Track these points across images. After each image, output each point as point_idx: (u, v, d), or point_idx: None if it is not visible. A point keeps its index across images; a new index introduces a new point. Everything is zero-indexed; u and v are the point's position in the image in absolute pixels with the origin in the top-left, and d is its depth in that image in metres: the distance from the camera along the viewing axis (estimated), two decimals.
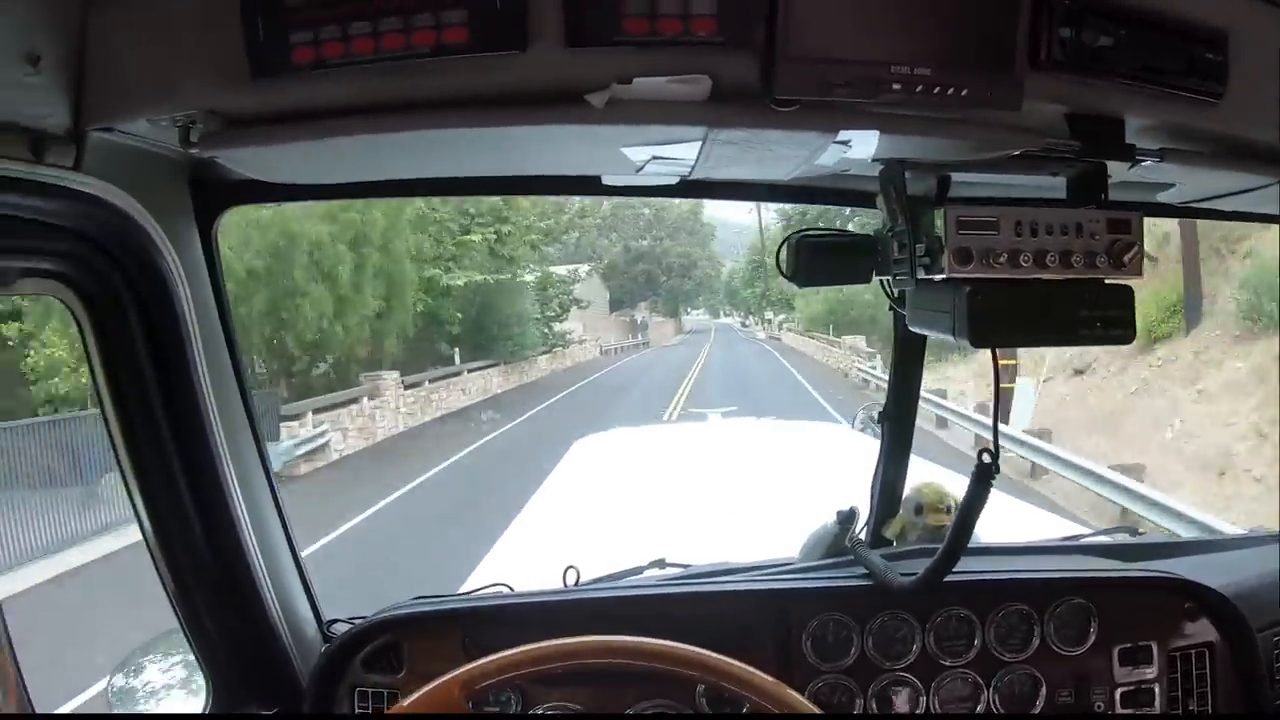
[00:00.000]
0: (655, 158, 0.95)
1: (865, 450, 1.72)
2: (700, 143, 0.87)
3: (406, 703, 0.87)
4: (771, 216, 46.21)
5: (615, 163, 0.99)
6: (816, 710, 0.94)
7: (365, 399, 13.08)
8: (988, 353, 0.98)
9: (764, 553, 1.50)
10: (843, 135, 0.85)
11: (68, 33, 0.77)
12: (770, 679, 0.90)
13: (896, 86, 0.76)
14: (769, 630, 1.27)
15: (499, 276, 17.00)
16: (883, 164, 0.97)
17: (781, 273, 1.15)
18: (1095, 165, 0.93)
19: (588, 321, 33.48)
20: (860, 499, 1.46)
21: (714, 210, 52.40)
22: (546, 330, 23.48)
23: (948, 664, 1.29)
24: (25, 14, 0.73)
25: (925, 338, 1.26)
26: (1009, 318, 0.91)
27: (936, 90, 0.77)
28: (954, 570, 1.15)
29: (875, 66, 0.76)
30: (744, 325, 73.64)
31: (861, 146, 0.90)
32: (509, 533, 2.61)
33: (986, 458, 1.01)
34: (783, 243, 1.16)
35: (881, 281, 1.12)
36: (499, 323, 18.26)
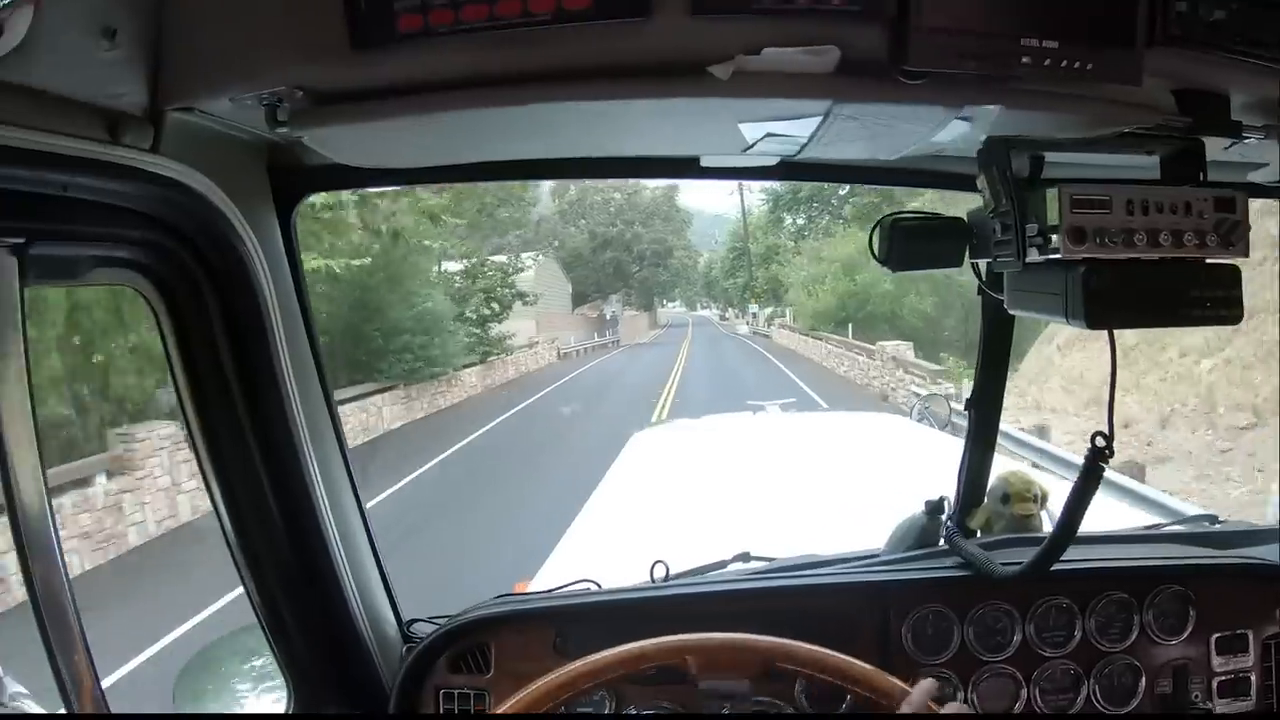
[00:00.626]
0: (769, 135, 0.92)
1: (926, 440, 1.89)
2: (821, 118, 0.85)
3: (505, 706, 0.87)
4: (756, 199, 40.34)
5: (722, 141, 0.97)
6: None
7: (100, 478, 7.70)
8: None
9: (841, 544, 1.47)
10: (966, 111, 0.84)
11: (145, 6, 0.74)
12: (872, 668, 0.91)
13: (1026, 60, 0.76)
14: (868, 623, 1.25)
15: (357, 261, 10.52)
16: (983, 143, 0.93)
17: (874, 257, 1.13)
18: (1193, 143, 0.91)
19: (543, 319, 27.03)
20: (926, 489, 1.43)
21: (689, 198, 48.40)
22: (479, 334, 17.04)
23: (1048, 654, 1.27)
24: None
25: (1012, 323, 1.29)
26: (1122, 299, 0.90)
27: (1064, 64, 0.76)
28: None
29: (1006, 39, 0.75)
30: (723, 318, 69.22)
31: (981, 122, 0.88)
32: (575, 526, 2.58)
33: (1100, 441, 0.99)
34: (874, 226, 1.13)
35: (973, 264, 1.11)
36: (387, 330, 11.83)
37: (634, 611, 1.29)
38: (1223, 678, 1.29)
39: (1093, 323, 0.89)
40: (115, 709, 0.87)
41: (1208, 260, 0.89)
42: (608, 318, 38.16)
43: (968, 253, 1.08)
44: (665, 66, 0.76)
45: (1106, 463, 1.02)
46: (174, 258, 0.95)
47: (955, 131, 0.91)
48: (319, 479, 1.12)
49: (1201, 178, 0.92)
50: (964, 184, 1.10)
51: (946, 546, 1.37)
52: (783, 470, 2.83)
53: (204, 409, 1.05)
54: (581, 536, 2.51)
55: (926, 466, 1.56)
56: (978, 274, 1.15)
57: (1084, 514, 1.07)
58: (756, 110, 0.86)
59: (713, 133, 0.97)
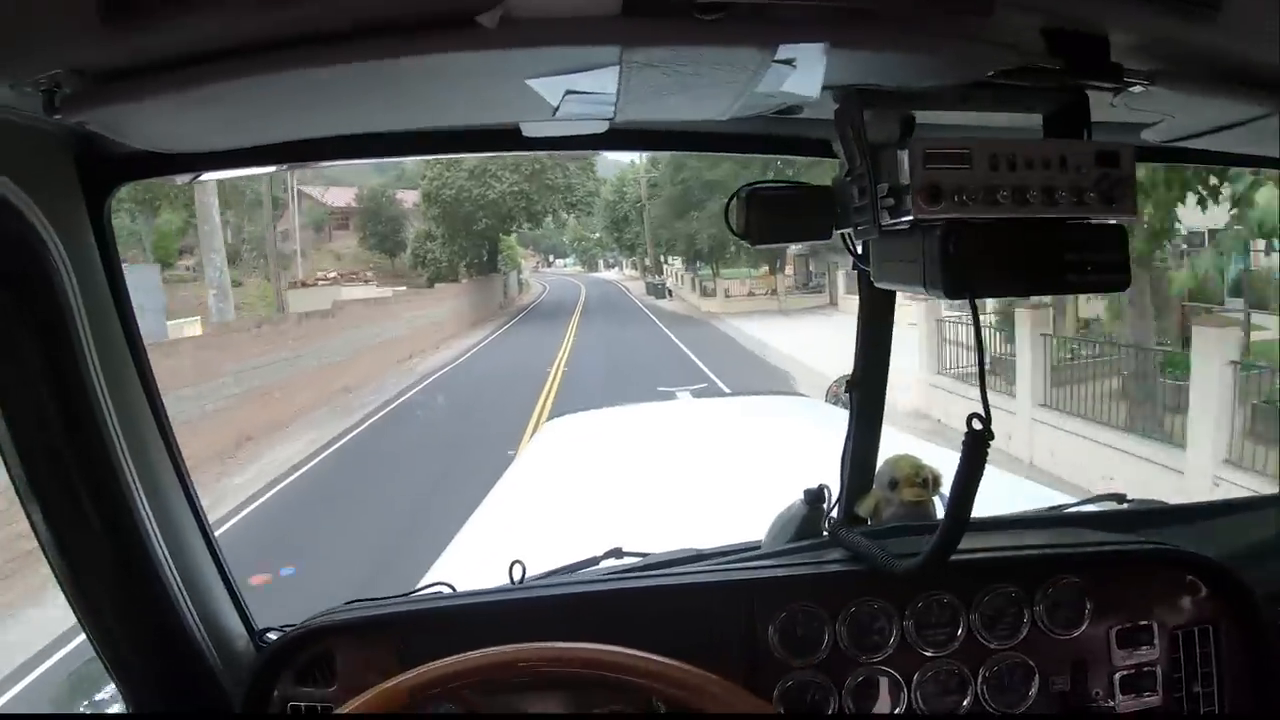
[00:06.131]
0: (570, 92, 0.89)
1: (838, 423, 1.67)
2: (616, 67, 0.81)
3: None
4: None
5: (530, 105, 0.93)
6: (771, 709, 1.15)
7: None
8: None
9: (734, 537, 1.52)
10: (784, 52, 0.79)
11: None
12: (714, 678, 0.96)
13: None
14: (733, 624, 1.27)
15: None
16: (838, 101, 0.96)
17: (731, 230, 1.14)
18: (1076, 96, 0.93)
19: None
20: (829, 475, 1.47)
21: None
22: None
23: (930, 654, 1.27)
24: None
25: (893, 297, 1.35)
26: (987, 264, 0.87)
27: None
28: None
29: None
30: (656, 286, 36.89)
31: (808, 69, 0.84)
32: (469, 526, 2.51)
33: (977, 424, 0.97)
34: (731, 197, 1.14)
35: (843, 236, 1.11)
36: None
37: (487, 616, 1.27)
38: (1125, 673, 1.27)
39: (952, 291, 0.87)
40: None
41: (1091, 220, 0.88)
42: None
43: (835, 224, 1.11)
44: (430, 18, 0.72)
45: (988, 445, 0.97)
46: None
47: (782, 78, 0.85)
48: (141, 493, 1.12)
49: (1086, 134, 0.93)
50: (825, 150, 1.15)
51: (828, 538, 1.41)
52: (685, 460, 2.82)
53: (14, 423, 1.03)
54: (477, 532, 2.46)
55: (834, 451, 1.42)
56: (849, 247, 1.15)
57: (973, 501, 1.03)
58: (541, 63, 0.79)
59: (515, 96, 0.90)
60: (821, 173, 1.66)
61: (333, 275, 23.74)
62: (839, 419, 1.80)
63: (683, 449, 2.96)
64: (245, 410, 11.52)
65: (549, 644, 0.96)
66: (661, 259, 40.43)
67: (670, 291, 35.91)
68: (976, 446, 0.96)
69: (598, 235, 49.24)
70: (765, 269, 29.03)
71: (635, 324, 24.34)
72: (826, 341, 14.33)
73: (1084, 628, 1.26)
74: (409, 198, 32.70)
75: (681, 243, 28.84)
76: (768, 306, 25.85)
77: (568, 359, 16.84)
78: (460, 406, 12.91)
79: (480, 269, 32.24)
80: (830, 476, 1.42)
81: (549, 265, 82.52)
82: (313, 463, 10.04)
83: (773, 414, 3.68)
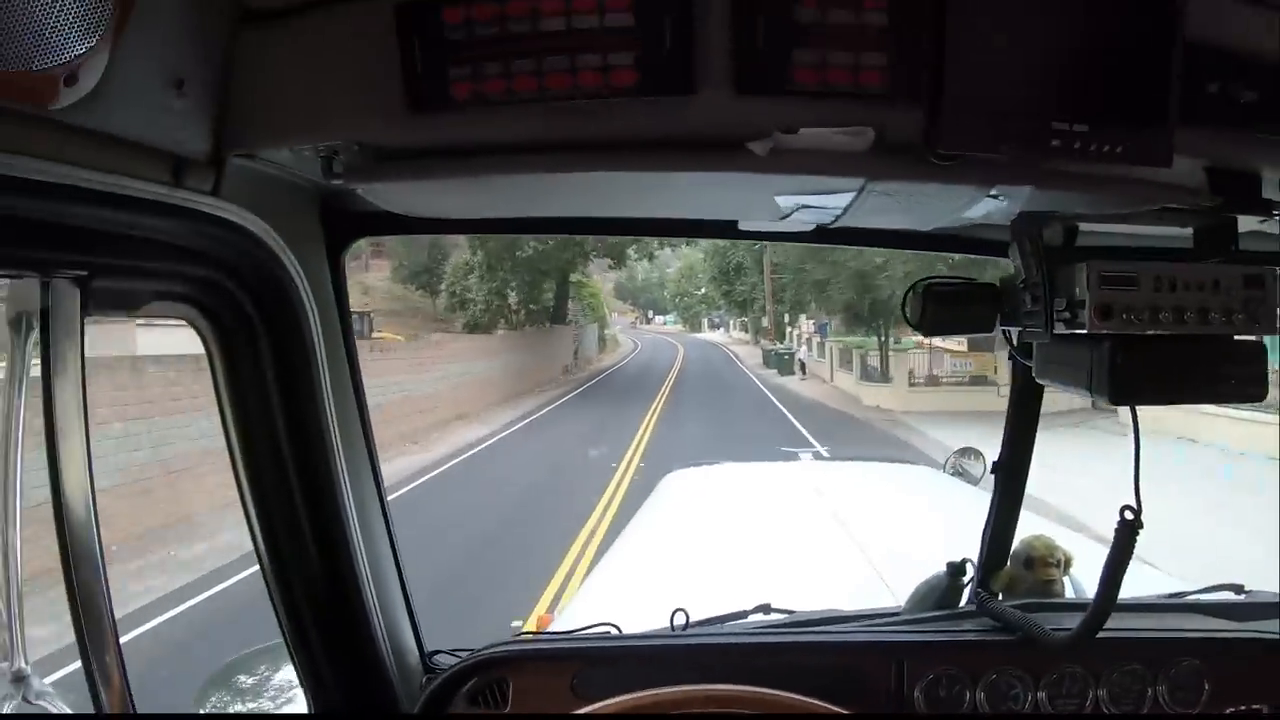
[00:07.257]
0: (805, 206, 1.11)
1: (958, 495, 1.96)
2: (855, 193, 1.03)
3: None
4: None
5: (760, 209, 1.16)
6: None
7: None
8: None
9: (863, 599, 1.72)
10: (997, 189, 1.02)
11: (213, 58, 0.88)
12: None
13: (1056, 143, 0.86)
14: (882, 683, 1.45)
15: None
16: (1016, 215, 1.13)
17: (907, 320, 1.26)
18: (1227, 218, 1.07)
19: None
20: (952, 547, 1.62)
21: None
22: None
23: None
24: (172, 38, 0.83)
25: (1042, 390, 1.50)
26: (1149, 375, 1.01)
27: (1093, 147, 0.87)
28: (1070, 628, 1.39)
29: (1037, 123, 0.86)
30: (780, 357, 26.17)
31: (1013, 200, 1.07)
32: (604, 565, 2.98)
33: (1129, 515, 1.16)
34: (909, 290, 1.25)
35: (1004, 331, 1.25)
36: None
37: (652, 658, 1.46)
38: None
39: (1117, 399, 1.01)
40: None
41: (1235, 337, 1.02)
42: None
43: (999, 319, 1.23)
44: (706, 141, 0.88)
45: (1137, 534, 1.16)
46: (227, 294, 1.10)
47: (988, 207, 1.08)
48: (353, 511, 1.28)
49: (1234, 251, 1.07)
50: (996, 250, 1.32)
51: (969, 608, 1.59)
52: (812, 520, 3.05)
53: (247, 436, 1.19)
54: (610, 576, 2.85)
55: (956, 523, 1.67)
56: (1009, 340, 1.27)
57: (1122, 581, 1.21)
58: (793, 185, 1.00)
59: (751, 201, 1.13)
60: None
61: None
62: (958, 491, 2.04)
63: (805, 509, 3.08)
64: None
65: (732, 686, 1.06)
66: (785, 320, 31.54)
67: (804, 365, 25.46)
68: (1127, 534, 1.14)
69: (703, 290, 41.85)
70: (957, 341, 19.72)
71: (756, 427, 14.04)
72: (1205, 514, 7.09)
73: (1201, 709, 1.39)
74: None
75: (848, 288, 17.58)
76: (979, 404, 14.90)
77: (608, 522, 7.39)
78: None
79: (538, 317, 24.10)
80: (946, 547, 1.57)
81: (648, 322, 76.38)
82: None
83: (892, 482, 3.80)
